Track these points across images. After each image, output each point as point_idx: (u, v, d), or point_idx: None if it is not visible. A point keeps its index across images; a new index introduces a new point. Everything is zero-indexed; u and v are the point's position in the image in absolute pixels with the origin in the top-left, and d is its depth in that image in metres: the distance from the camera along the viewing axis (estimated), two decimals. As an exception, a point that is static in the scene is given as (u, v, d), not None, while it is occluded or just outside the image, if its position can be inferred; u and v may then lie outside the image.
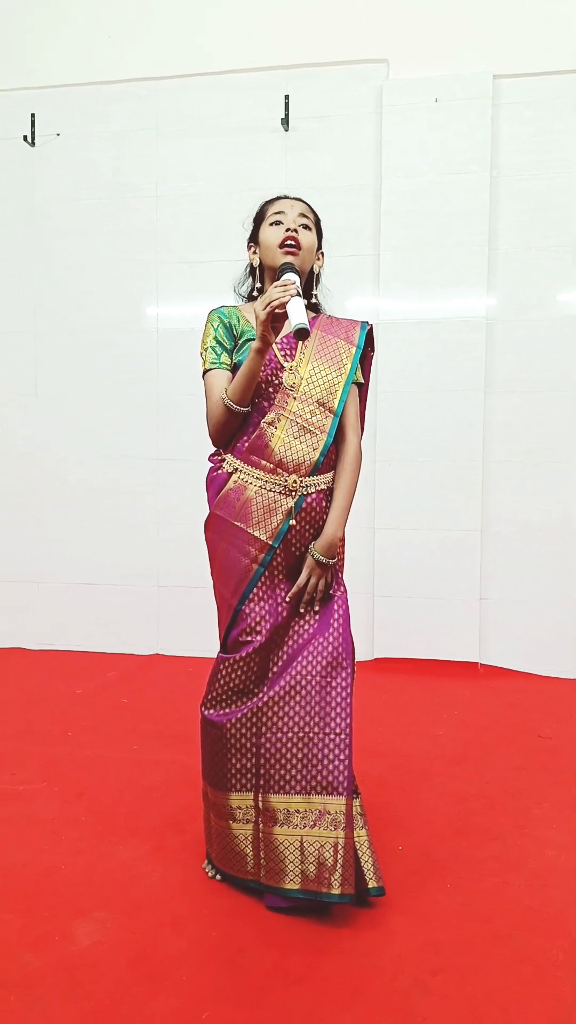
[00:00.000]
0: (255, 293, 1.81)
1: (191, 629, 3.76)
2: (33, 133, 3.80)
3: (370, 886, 1.65)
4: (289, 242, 1.71)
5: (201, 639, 3.68)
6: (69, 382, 3.87)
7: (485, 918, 1.65)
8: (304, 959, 1.49)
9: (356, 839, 1.65)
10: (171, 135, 3.72)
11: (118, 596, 3.87)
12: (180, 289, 3.76)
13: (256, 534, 1.68)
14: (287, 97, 3.59)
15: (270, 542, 1.68)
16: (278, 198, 1.81)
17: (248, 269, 1.85)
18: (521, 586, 3.57)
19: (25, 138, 3.79)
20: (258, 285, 1.80)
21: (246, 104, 3.66)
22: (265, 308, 1.55)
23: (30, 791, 2.25)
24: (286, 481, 1.68)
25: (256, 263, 1.80)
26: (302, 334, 1.50)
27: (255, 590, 1.69)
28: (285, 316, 1.56)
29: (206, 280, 3.70)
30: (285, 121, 3.60)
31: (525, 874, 1.82)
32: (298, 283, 1.61)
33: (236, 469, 1.72)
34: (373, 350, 1.84)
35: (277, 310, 1.55)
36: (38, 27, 3.80)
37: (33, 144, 3.80)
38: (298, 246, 1.71)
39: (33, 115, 3.79)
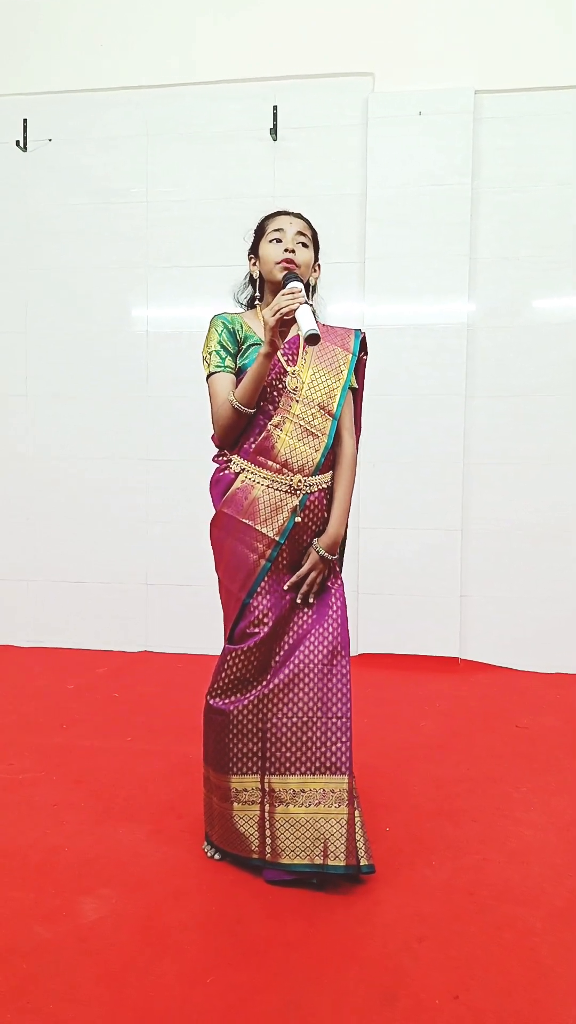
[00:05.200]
0: (256, 302, 1.91)
1: (180, 626, 3.84)
2: (25, 138, 3.86)
3: (361, 863, 1.75)
4: (285, 263, 1.81)
5: (190, 636, 3.78)
6: (59, 383, 3.93)
7: (468, 891, 1.75)
8: (301, 927, 1.59)
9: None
10: (162, 142, 3.80)
11: (108, 594, 3.93)
12: (169, 293, 3.84)
13: (264, 531, 1.78)
14: (275, 107, 3.69)
15: (276, 538, 1.78)
16: (278, 214, 1.90)
17: (248, 278, 1.95)
18: (500, 584, 3.69)
19: (17, 143, 3.85)
20: (257, 294, 1.91)
21: (235, 113, 3.75)
22: (275, 315, 1.65)
23: (29, 779, 2.32)
24: (291, 480, 1.78)
25: (256, 274, 1.91)
26: (313, 340, 1.59)
27: (262, 584, 1.79)
28: (292, 322, 1.65)
29: (195, 284, 3.79)
30: (273, 131, 3.70)
31: (505, 852, 1.93)
32: (304, 291, 1.70)
33: (243, 469, 1.81)
34: (366, 355, 1.95)
35: (286, 317, 1.65)
36: (31, 34, 3.86)
37: (25, 149, 3.87)
38: (295, 265, 1.81)
39: (25, 120, 3.86)
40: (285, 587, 1.80)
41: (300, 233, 1.85)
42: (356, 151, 3.68)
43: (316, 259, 1.92)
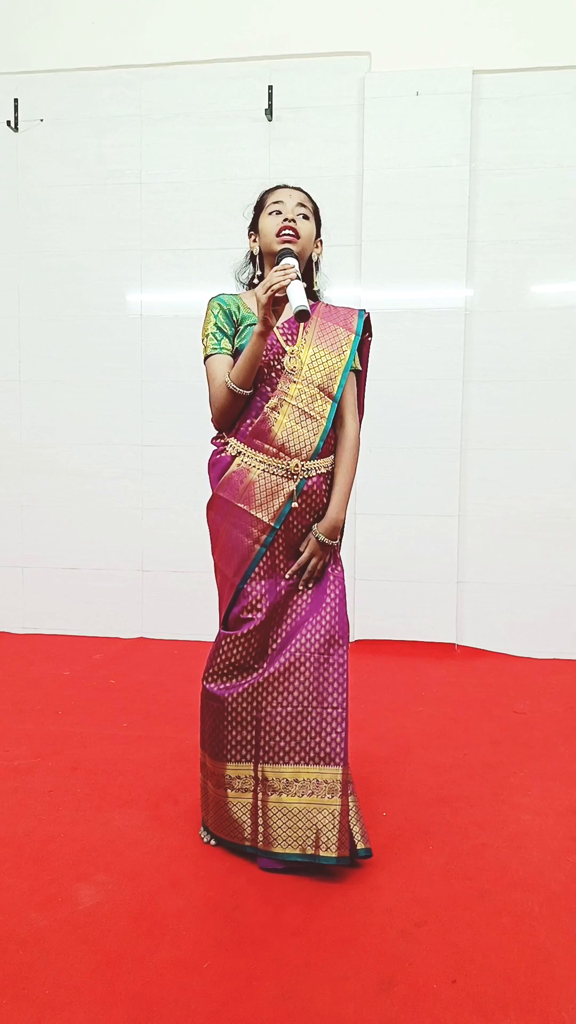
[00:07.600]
0: (255, 280, 1.87)
1: (175, 613, 3.83)
2: (16, 118, 3.80)
3: (358, 848, 1.75)
4: (286, 231, 1.76)
5: (185, 623, 3.77)
6: (53, 368, 3.89)
7: (466, 876, 1.74)
8: (298, 914, 1.58)
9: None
10: (155, 123, 3.75)
11: (103, 581, 3.91)
12: (164, 276, 3.80)
13: (259, 516, 1.75)
14: (271, 87, 3.64)
15: (272, 524, 1.74)
16: (277, 187, 1.86)
17: (248, 257, 1.91)
18: (497, 570, 3.68)
19: (8, 123, 3.79)
20: (258, 272, 1.86)
21: (230, 93, 3.69)
22: (266, 292, 1.61)
23: (25, 766, 2.30)
24: (288, 465, 1.74)
25: (256, 251, 1.86)
26: (302, 316, 1.55)
27: (256, 569, 1.76)
28: (286, 299, 1.62)
29: (189, 267, 3.74)
30: (269, 111, 3.64)
31: (504, 837, 1.93)
32: (297, 267, 1.66)
33: (240, 452, 1.77)
34: (371, 336, 1.91)
35: (277, 294, 1.61)
36: (22, 12, 3.79)
37: (16, 129, 3.81)
38: (296, 234, 1.77)
39: (16, 100, 3.80)
40: (287, 575, 1.77)
41: (300, 205, 1.80)
42: (352, 132, 3.64)
43: (318, 234, 1.87)
